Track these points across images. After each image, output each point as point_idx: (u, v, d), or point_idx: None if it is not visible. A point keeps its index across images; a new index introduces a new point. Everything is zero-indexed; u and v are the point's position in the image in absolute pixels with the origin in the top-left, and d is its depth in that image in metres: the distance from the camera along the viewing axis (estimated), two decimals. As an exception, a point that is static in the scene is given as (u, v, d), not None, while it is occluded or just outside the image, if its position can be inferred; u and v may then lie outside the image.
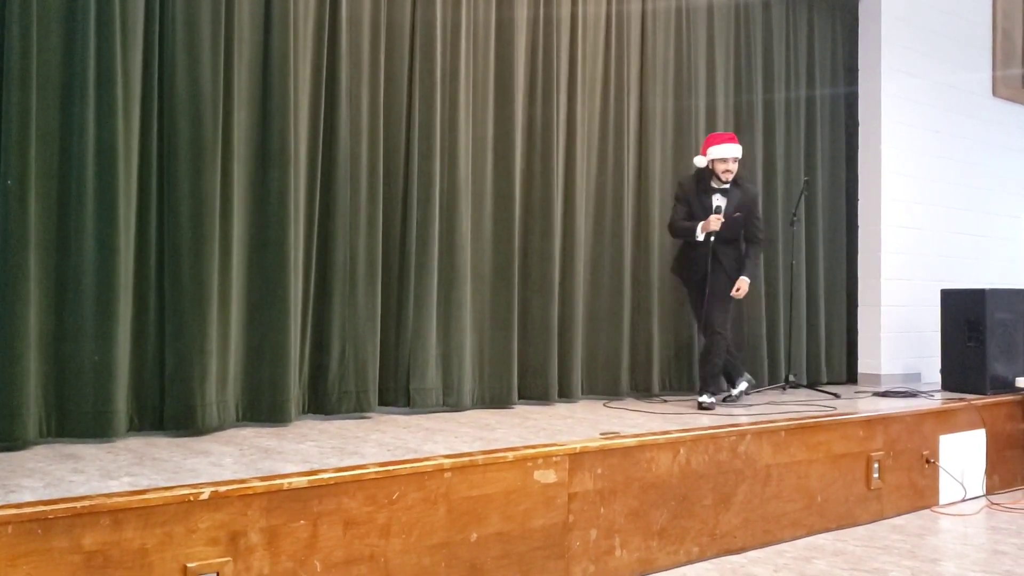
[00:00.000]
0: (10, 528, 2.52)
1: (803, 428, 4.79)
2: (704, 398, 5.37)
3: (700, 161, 5.61)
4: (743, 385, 5.89)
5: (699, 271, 5.57)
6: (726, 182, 5.54)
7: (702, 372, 5.59)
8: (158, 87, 4.21)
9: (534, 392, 5.55)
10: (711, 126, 6.54)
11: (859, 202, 7.42)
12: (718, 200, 5.53)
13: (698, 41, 6.51)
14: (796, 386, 6.55)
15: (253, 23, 4.52)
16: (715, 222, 5.44)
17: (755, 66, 6.89)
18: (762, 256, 6.07)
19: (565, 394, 5.67)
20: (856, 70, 7.48)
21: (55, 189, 3.92)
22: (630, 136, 6.10)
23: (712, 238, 5.46)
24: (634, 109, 6.15)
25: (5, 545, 2.51)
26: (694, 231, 5.52)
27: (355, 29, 4.88)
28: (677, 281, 5.99)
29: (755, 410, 5.28)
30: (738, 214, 5.55)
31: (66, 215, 3.93)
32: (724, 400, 5.69)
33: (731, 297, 5.57)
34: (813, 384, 6.83)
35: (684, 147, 6.37)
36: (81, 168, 3.93)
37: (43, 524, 2.58)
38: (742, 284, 5.55)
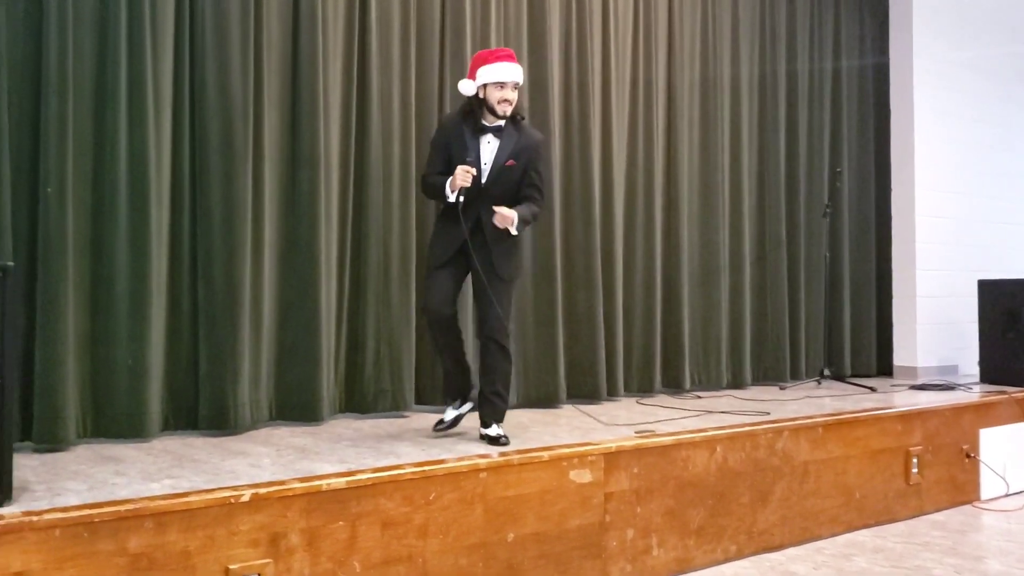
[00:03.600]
0: (57, 532, 2.56)
1: (840, 424, 4.75)
2: (493, 430, 3.98)
3: (467, 87, 4.10)
4: (466, 407, 4.26)
5: (449, 247, 4.04)
6: (502, 117, 4.06)
7: (489, 396, 4.04)
8: (189, 92, 4.24)
9: (583, 391, 5.49)
10: (735, 118, 6.50)
11: (892, 191, 7.33)
12: (488, 143, 4.07)
13: (723, 35, 6.47)
14: (831, 379, 6.49)
15: (282, 26, 4.54)
16: (463, 175, 3.89)
17: (779, 47, 6.82)
18: (537, 217, 4.26)
19: (612, 392, 5.62)
20: (887, 52, 7.39)
21: (90, 195, 3.97)
22: (658, 127, 6.06)
23: (463, 199, 3.94)
24: (662, 103, 6.11)
25: (53, 548, 2.54)
26: (442, 192, 4.02)
27: (385, 29, 4.88)
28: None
29: (792, 406, 5.24)
30: (511, 162, 4.05)
31: (101, 220, 3.97)
32: (437, 426, 4.20)
33: (504, 284, 4.07)
34: (843, 377, 6.77)
35: (710, 139, 6.33)
36: (114, 174, 3.97)
37: (89, 527, 2.61)
38: (504, 212, 3.93)
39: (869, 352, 7.29)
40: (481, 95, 4.04)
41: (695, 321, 6.21)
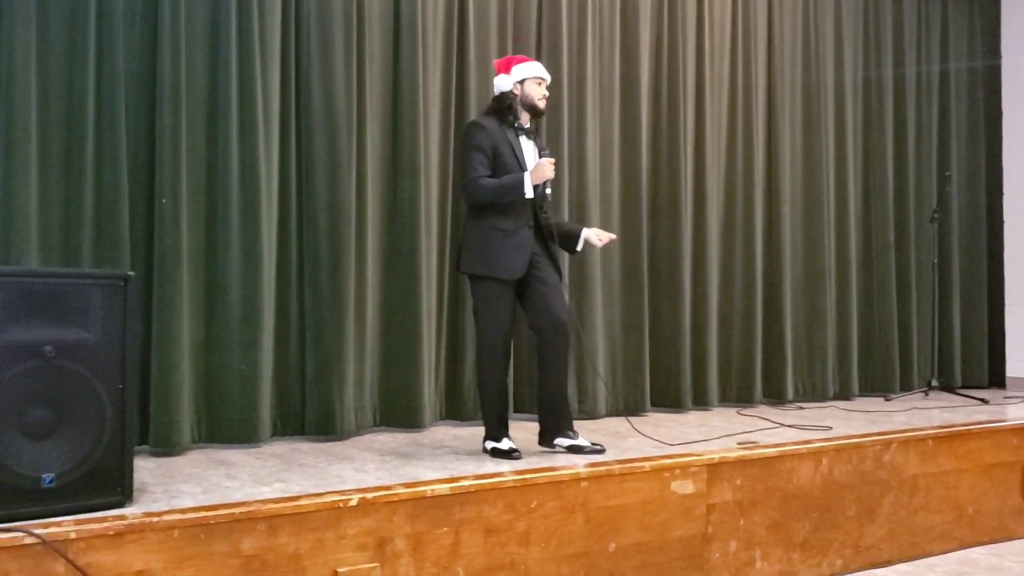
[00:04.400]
0: (176, 532, 2.65)
1: (952, 436, 4.58)
2: (571, 439, 3.83)
3: (503, 82, 3.94)
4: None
5: (522, 256, 3.82)
6: (540, 114, 4.00)
7: (561, 402, 3.89)
8: (295, 104, 4.36)
9: (667, 399, 5.48)
10: (840, 121, 6.36)
11: (1004, 196, 7.06)
12: (527, 143, 3.94)
13: (826, 36, 6.35)
14: (939, 390, 6.28)
15: (383, 38, 4.63)
16: (550, 166, 3.79)
17: (884, 49, 6.67)
18: None
19: (700, 401, 5.58)
20: (998, 51, 7.12)
21: (203, 205, 4.11)
22: (759, 133, 5.98)
23: (547, 192, 3.88)
24: (762, 106, 6.03)
25: (172, 548, 2.63)
26: (520, 187, 3.75)
27: (482, 40, 4.94)
28: (489, 283, 3.82)
29: (899, 417, 5.09)
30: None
31: (213, 230, 4.11)
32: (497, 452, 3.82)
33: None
34: (953, 388, 6.54)
35: (813, 143, 6.21)
36: (226, 185, 4.11)
37: (205, 529, 2.69)
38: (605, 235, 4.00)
39: (980, 362, 7.04)
40: (516, 92, 3.93)
41: (798, 329, 6.09)
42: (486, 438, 3.86)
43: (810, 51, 6.25)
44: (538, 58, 5.11)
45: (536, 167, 3.80)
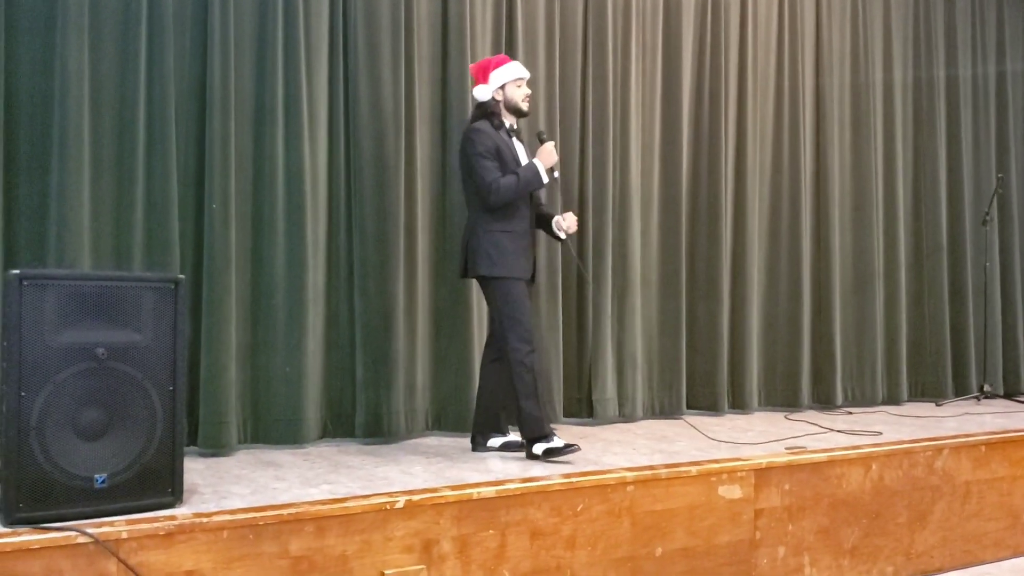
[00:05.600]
0: (225, 533, 2.67)
1: (1006, 443, 4.49)
2: (547, 443, 3.78)
3: (483, 92, 3.98)
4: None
5: (530, 254, 3.97)
6: (525, 114, 4.04)
7: (535, 407, 3.83)
8: (343, 108, 4.38)
9: (703, 402, 5.44)
10: (889, 122, 6.27)
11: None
12: (518, 145, 4.01)
13: (875, 36, 6.26)
14: (992, 396, 6.15)
15: (431, 40, 4.64)
16: (553, 149, 3.92)
17: (936, 48, 6.55)
18: None
19: (738, 404, 5.53)
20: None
21: (250, 210, 4.15)
22: (806, 134, 5.91)
23: (555, 176, 3.96)
24: (810, 105, 5.96)
25: (222, 549, 2.66)
26: (537, 174, 3.86)
27: (530, 44, 4.94)
28: (512, 282, 3.87)
29: (950, 423, 4.99)
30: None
31: (260, 234, 4.15)
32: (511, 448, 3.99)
33: None
34: (1011, 394, 6.40)
35: (862, 144, 6.13)
36: (273, 189, 4.15)
37: (254, 530, 2.72)
38: (571, 220, 4.05)
39: (1035, 368, 6.88)
40: (498, 97, 3.97)
41: (847, 332, 6.01)
42: (533, 441, 3.78)
43: (859, 50, 6.16)
44: (584, 59, 5.11)
45: (540, 152, 3.89)
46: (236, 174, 4.04)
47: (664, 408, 5.30)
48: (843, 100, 6.11)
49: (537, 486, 3.25)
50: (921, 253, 6.43)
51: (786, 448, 4.06)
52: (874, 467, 4.05)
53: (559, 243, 4.38)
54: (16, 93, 3.70)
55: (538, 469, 3.53)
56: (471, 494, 3.09)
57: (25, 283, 2.60)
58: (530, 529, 3.20)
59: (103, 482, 2.68)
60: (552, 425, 4.71)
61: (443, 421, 4.58)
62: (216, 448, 3.87)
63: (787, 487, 3.79)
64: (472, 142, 3.88)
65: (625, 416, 5.08)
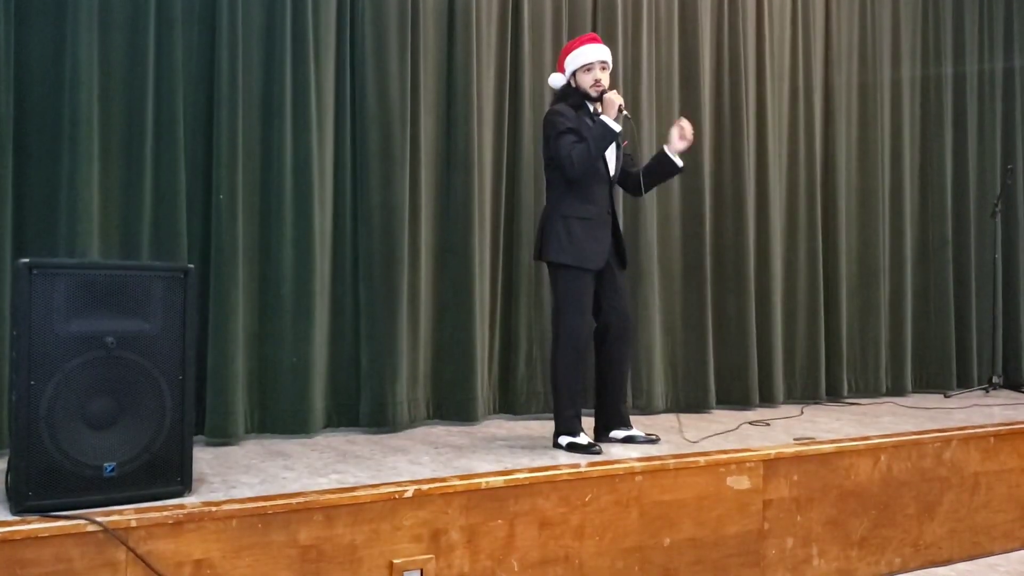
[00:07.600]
0: (234, 522, 2.68)
1: (1015, 434, 4.48)
2: (626, 431, 3.91)
3: (557, 80, 4.01)
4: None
5: (603, 249, 3.85)
6: (597, 98, 3.88)
7: (623, 399, 3.99)
8: (350, 100, 4.39)
9: (733, 396, 5.37)
10: (896, 116, 6.25)
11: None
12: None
13: (883, 31, 6.25)
14: (1000, 387, 6.14)
15: (437, 32, 4.64)
16: (616, 96, 3.80)
17: (944, 44, 6.53)
18: None
19: (766, 399, 5.46)
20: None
21: (258, 201, 4.16)
22: (816, 125, 5.89)
23: (626, 113, 3.86)
24: (819, 101, 5.94)
25: (231, 538, 2.66)
26: (608, 129, 3.74)
27: (537, 33, 4.93)
28: (576, 272, 3.79)
29: (959, 414, 4.98)
30: (625, 143, 4.05)
31: (267, 225, 4.16)
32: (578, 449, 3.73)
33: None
34: (1016, 386, 6.38)
35: (869, 138, 6.12)
36: (281, 181, 4.15)
37: (263, 519, 2.72)
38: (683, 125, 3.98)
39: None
40: (573, 84, 3.94)
41: (852, 324, 5.99)
42: (560, 433, 3.77)
43: (867, 46, 6.14)
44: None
45: (604, 104, 3.79)
46: (244, 165, 4.04)
47: (690, 402, 5.23)
48: (851, 95, 6.09)
49: (546, 476, 3.25)
50: (928, 246, 6.41)
51: (794, 439, 4.05)
52: (883, 458, 4.04)
53: (678, 173, 4.16)
54: (27, 84, 3.70)
55: (545, 459, 3.53)
56: (480, 484, 3.09)
57: (35, 272, 2.60)
58: (539, 519, 3.20)
59: (112, 471, 2.68)
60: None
61: (446, 411, 4.58)
62: (223, 438, 3.88)
63: (795, 478, 3.78)
64: (553, 124, 3.82)
65: (640, 408, 5.02)
